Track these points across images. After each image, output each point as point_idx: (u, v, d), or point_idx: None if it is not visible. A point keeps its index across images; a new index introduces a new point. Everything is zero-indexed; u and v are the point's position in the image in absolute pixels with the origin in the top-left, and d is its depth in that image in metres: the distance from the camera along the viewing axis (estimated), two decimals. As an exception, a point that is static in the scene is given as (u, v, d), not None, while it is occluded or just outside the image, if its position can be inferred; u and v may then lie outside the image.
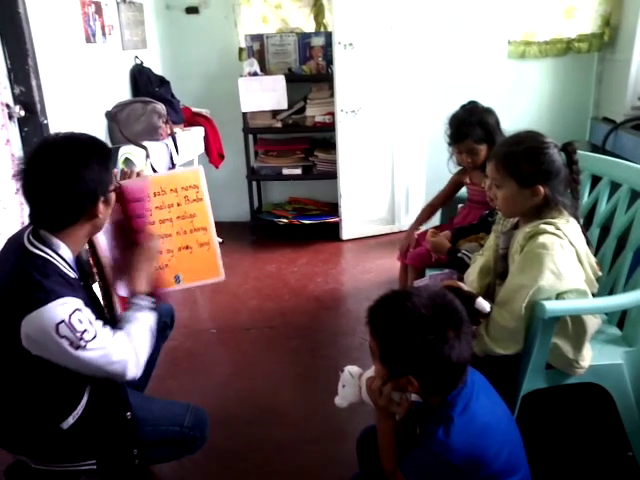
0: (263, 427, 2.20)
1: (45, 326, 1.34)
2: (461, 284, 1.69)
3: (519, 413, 1.72)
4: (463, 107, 2.45)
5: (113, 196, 1.55)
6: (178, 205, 1.90)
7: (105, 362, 1.42)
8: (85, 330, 1.38)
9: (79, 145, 1.47)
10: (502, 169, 1.65)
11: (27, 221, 2.40)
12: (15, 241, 1.51)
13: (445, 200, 2.69)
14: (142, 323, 1.56)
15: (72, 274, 1.49)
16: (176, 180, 1.90)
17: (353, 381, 1.47)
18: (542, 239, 1.59)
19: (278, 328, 2.95)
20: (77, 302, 1.41)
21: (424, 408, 1.35)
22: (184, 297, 3.31)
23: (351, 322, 2.89)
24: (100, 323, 1.45)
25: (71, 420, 1.50)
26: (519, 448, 1.36)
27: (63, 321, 1.35)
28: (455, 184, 2.63)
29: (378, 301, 1.31)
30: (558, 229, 1.60)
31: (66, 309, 1.37)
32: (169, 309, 2.02)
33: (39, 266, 1.41)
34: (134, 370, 1.48)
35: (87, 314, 1.42)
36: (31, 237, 1.46)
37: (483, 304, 1.57)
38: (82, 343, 1.37)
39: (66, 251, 1.48)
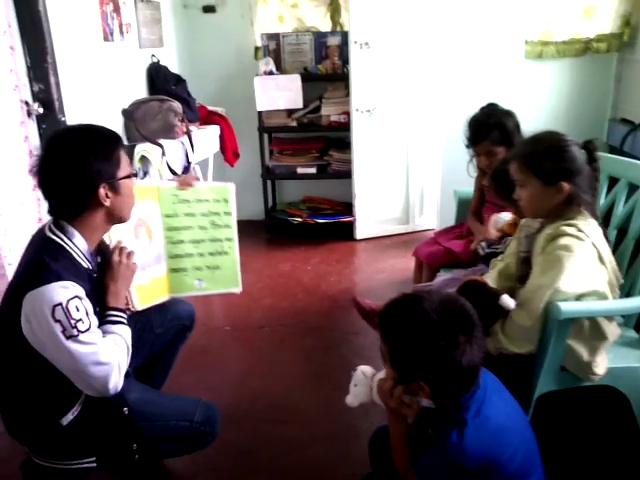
0: (276, 424, 2.20)
1: (42, 306, 1.36)
2: (487, 280, 1.68)
3: (534, 415, 1.71)
4: (482, 109, 2.44)
5: (126, 184, 1.54)
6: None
7: (92, 360, 1.40)
8: (80, 319, 1.39)
9: (76, 136, 1.50)
10: (525, 169, 1.66)
11: (44, 217, 2.44)
12: (39, 232, 1.55)
13: (480, 203, 2.64)
14: (121, 336, 1.53)
15: (85, 264, 1.51)
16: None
17: (365, 381, 1.46)
18: (563, 241, 1.59)
19: (292, 326, 2.96)
20: (78, 289, 1.42)
21: (437, 409, 1.34)
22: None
23: (364, 321, 2.88)
24: (96, 321, 1.46)
25: (70, 416, 1.51)
26: (534, 450, 1.34)
27: (60, 304, 1.36)
28: (481, 188, 2.60)
29: (388, 305, 1.30)
30: (580, 230, 1.60)
31: (66, 293, 1.38)
32: (190, 311, 2.01)
33: (52, 250, 1.45)
34: (116, 378, 1.45)
35: (86, 304, 1.42)
36: (52, 225, 1.51)
37: (508, 301, 1.57)
38: (75, 332, 1.37)
39: (80, 240, 1.50)
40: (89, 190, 1.46)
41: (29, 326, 1.38)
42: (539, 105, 3.90)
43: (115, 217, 1.56)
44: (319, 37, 4.01)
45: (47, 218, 2.44)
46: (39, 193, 2.36)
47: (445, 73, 3.88)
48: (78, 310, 1.39)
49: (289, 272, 3.64)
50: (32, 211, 2.37)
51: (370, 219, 4.13)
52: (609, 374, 1.73)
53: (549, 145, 1.64)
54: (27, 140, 2.35)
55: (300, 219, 4.18)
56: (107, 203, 1.50)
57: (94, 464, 1.55)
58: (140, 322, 1.84)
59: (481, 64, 3.87)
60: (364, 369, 1.48)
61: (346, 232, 4.14)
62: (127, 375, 1.64)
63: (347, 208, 4.23)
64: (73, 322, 1.37)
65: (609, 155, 2.27)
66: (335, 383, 2.40)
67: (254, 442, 2.11)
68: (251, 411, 2.28)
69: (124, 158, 1.54)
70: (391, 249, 3.95)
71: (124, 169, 1.54)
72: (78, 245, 1.50)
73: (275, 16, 4.17)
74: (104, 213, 1.52)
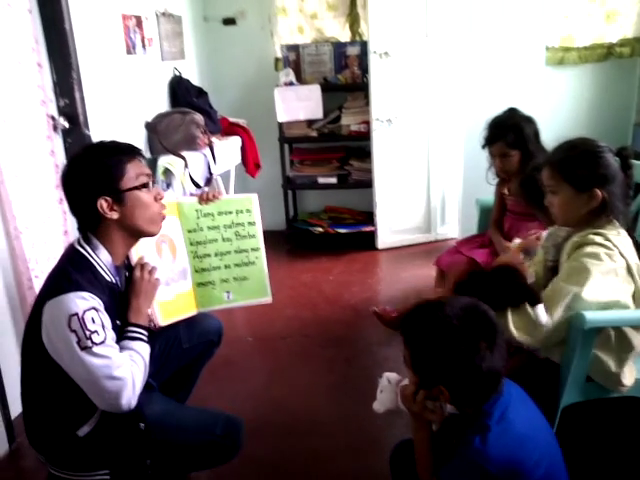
0: (298, 436, 2.20)
1: (59, 315, 1.38)
2: (524, 266, 1.66)
3: (560, 427, 1.69)
4: (504, 112, 2.48)
5: (132, 195, 1.53)
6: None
7: (105, 374, 1.40)
8: (95, 331, 1.39)
9: (84, 151, 1.57)
10: (557, 175, 1.64)
11: (70, 230, 2.48)
12: (70, 244, 1.60)
13: (501, 212, 2.63)
14: (138, 353, 1.52)
15: (108, 277, 1.53)
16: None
17: (390, 387, 1.47)
18: (590, 249, 1.57)
19: (314, 337, 2.95)
20: (97, 301, 1.43)
21: (461, 418, 1.33)
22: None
23: (387, 332, 2.86)
24: (113, 334, 1.47)
25: (87, 428, 1.51)
26: (559, 462, 1.33)
27: (76, 314, 1.37)
28: (502, 197, 2.59)
29: (411, 310, 1.32)
30: (607, 240, 1.58)
31: (83, 304, 1.40)
32: (217, 327, 2.01)
33: (75, 261, 1.48)
34: (130, 394, 1.43)
35: (103, 317, 1.43)
36: (80, 238, 1.55)
37: (542, 315, 1.55)
38: (89, 344, 1.38)
39: (104, 254, 1.53)
40: (88, 203, 1.49)
41: (47, 334, 1.41)
42: (561, 112, 3.86)
43: (131, 229, 1.56)
44: (338, 47, 4.03)
45: (72, 231, 2.49)
46: (65, 206, 2.42)
47: (465, 81, 3.87)
48: (94, 322, 1.40)
49: (311, 282, 3.64)
50: (58, 224, 2.41)
51: (391, 228, 4.12)
52: (637, 385, 1.70)
53: (583, 151, 1.63)
54: (53, 154, 2.40)
55: (321, 229, 4.18)
56: (114, 216, 1.50)
57: (107, 477, 1.55)
58: (168, 337, 1.85)
59: (502, 72, 3.85)
60: (390, 375, 1.50)
61: (367, 242, 4.13)
62: (151, 388, 1.65)
63: (368, 218, 4.22)
64: (88, 333, 1.38)
65: (634, 161, 2.24)
66: (358, 395, 2.40)
67: (276, 454, 2.11)
68: (273, 423, 2.27)
69: (132, 170, 1.53)
70: (413, 259, 3.94)
71: (129, 181, 1.52)
72: (102, 258, 1.52)
73: (295, 27, 4.21)
74: (116, 226, 1.53)
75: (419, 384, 1.31)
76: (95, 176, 1.49)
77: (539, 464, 1.23)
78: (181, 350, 1.90)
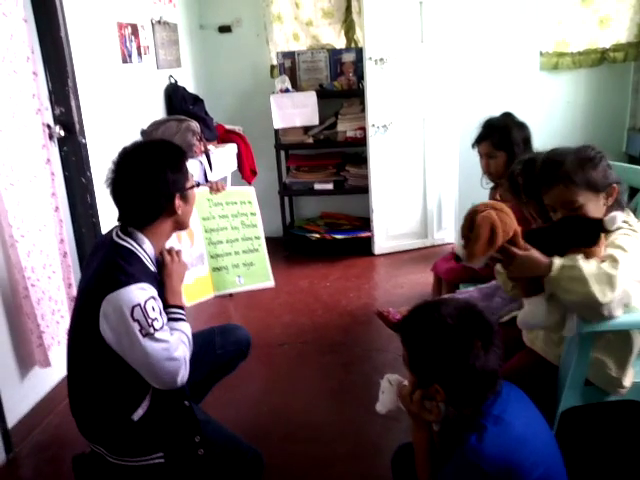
0: (297, 443, 2.19)
1: (122, 306, 1.45)
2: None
3: (559, 431, 1.69)
4: (499, 115, 2.52)
5: (192, 194, 1.67)
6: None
7: (165, 356, 1.49)
8: (156, 318, 1.48)
9: (151, 150, 1.63)
10: (575, 188, 1.61)
11: (66, 238, 2.47)
12: (104, 240, 1.65)
13: None
14: (183, 333, 1.61)
15: (152, 268, 1.61)
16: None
17: (391, 389, 1.49)
18: (620, 232, 1.57)
19: (311, 343, 2.95)
20: (153, 290, 1.52)
21: (460, 421, 1.34)
22: (218, 312, 3.34)
23: (384, 338, 2.87)
24: (166, 319, 1.56)
25: (141, 411, 1.59)
26: (558, 466, 1.33)
27: (139, 305, 1.45)
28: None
29: (410, 312, 1.36)
30: (633, 230, 1.59)
31: (143, 294, 1.47)
32: (248, 338, 2.06)
33: (124, 255, 1.54)
34: (183, 371, 1.54)
35: (159, 304, 1.53)
36: (119, 232, 1.60)
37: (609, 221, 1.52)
38: (151, 330, 1.46)
39: (149, 246, 1.61)
40: (167, 200, 1.59)
41: (107, 325, 1.47)
42: (556, 117, 3.88)
43: (180, 224, 1.69)
44: (334, 54, 4.04)
45: (68, 239, 2.48)
46: (61, 214, 2.41)
47: (460, 87, 3.88)
48: (154, 310, 1.49)
49: (308, 288, 3.64)
50: (54, 233, 2.40)
51: (388, 234, 4.12)
52: (635, 388, 1.70)
53: (584, 157, 1.63)
54: (49, 163, 2.39)
55: (318, 235, 4.18)
56: (180, 211, 1.62)
57: (162, 459, 1.61)
58: (203, 341, 1.92)
59: (496, 77, 3.87)
60: (391, 377, 1.52)
61: (364, 247, 4.14)
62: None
63: (365, 223, 4.23)
64: (150, 321, 1.47)
65: (629, 165, 2.25)
66: (356, 401, 2.40)
67: (276, 461, 2.09)
68: (272, 429, 2.27)
69: (189, 170, 1.68)
70: (410, 264, 3.94)
71: (190, 180, 1.68)
72: (147, 250, 1.60)
73: (290, 34, 4.22)
74: (173, 221, 1.64)
75: (416, 384, 1.34)
76: (178, 174, 1.61)
77: (536, 466, 1.23)
78: (214, 355, 1.97)
